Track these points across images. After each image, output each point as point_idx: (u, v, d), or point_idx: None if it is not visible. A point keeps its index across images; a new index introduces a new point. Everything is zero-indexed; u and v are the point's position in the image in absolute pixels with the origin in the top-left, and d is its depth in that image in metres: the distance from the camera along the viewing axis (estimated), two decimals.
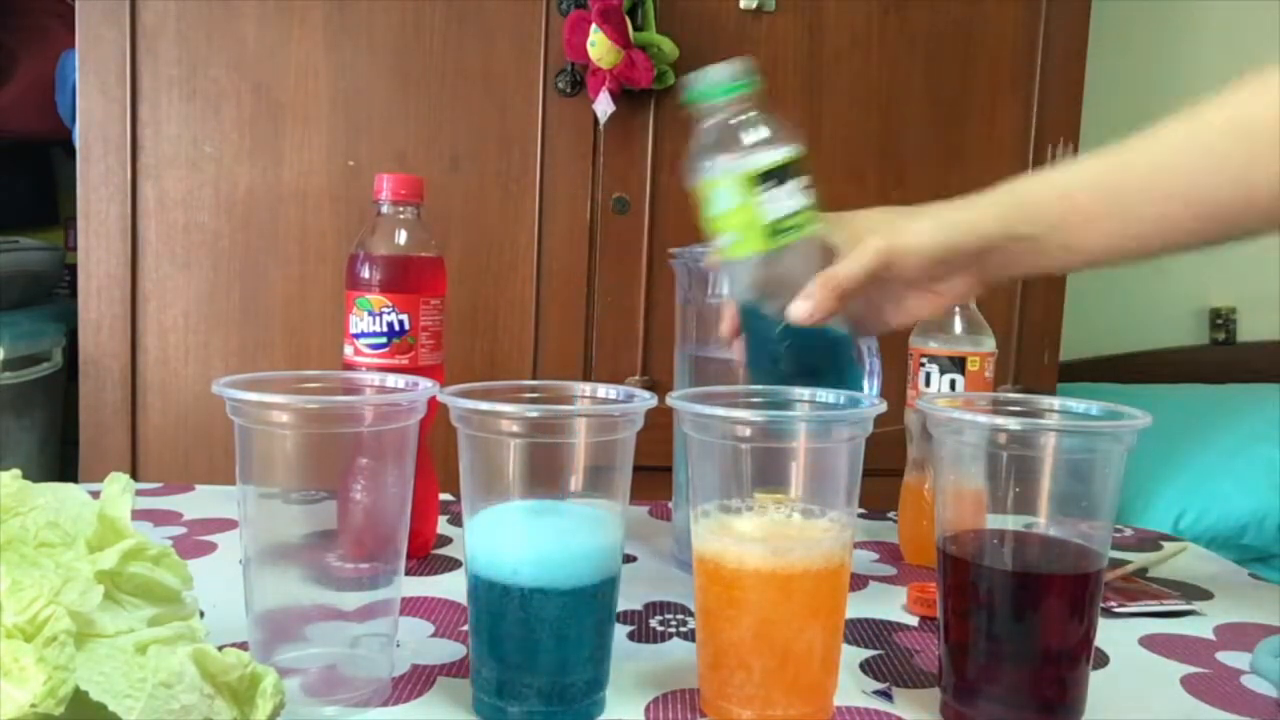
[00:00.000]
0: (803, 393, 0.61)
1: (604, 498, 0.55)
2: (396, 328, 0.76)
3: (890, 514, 0.99)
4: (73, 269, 1.59)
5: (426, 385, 0.57)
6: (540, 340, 1.50)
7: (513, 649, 0.53)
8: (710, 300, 0.78)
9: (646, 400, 0.56)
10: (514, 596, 0.53)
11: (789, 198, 0.63)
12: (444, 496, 0.95)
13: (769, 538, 0.54)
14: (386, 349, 0.76)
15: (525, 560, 0.53)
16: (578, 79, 1.45)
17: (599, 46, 1.37)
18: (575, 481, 0.54)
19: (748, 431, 0.54)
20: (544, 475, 0.54)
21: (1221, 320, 2.27)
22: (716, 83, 0.64)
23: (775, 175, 0.63)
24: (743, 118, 0.64)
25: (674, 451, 0.80)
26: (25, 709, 0.36)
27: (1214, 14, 2.20)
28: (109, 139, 1.42)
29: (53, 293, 1.90)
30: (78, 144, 1.42)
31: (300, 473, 0.56)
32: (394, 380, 0.60)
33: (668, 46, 1.43)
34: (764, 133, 0.64)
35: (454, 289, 1.47)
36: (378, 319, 0.76)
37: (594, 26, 1.37)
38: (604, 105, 1.40)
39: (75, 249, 1.46)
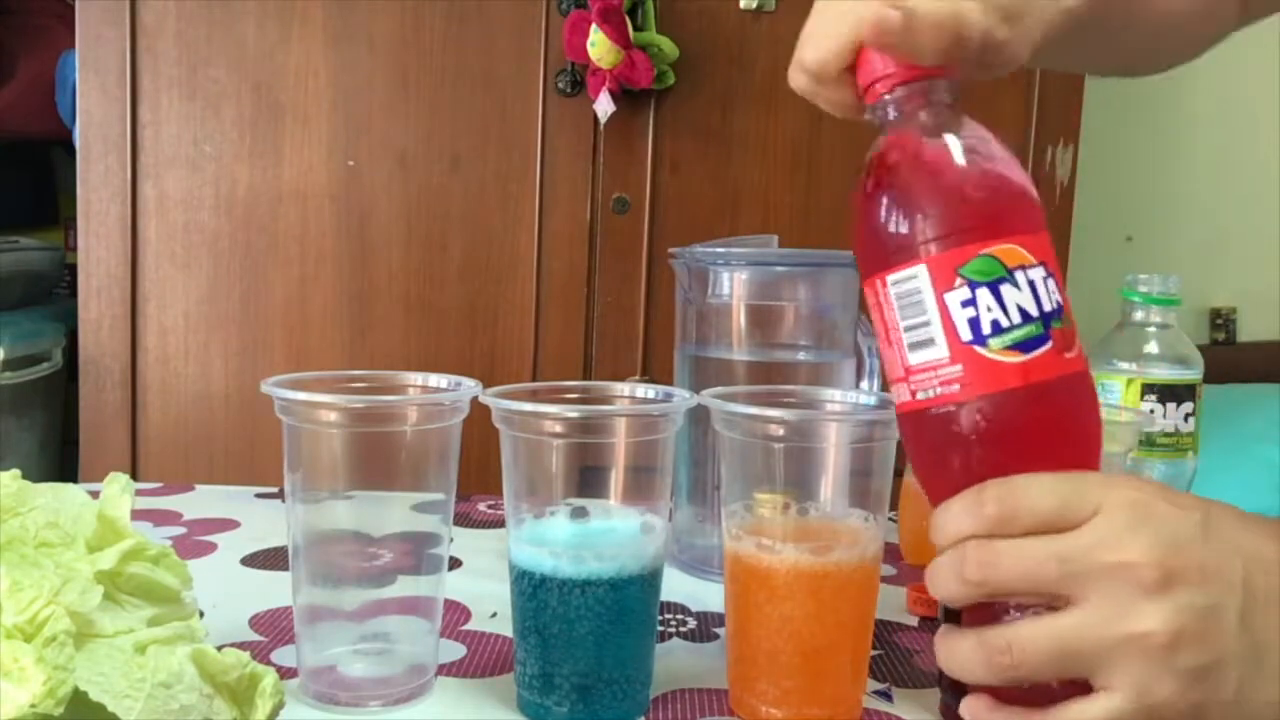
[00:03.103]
0: (833, 393, 0.62)
1: (645, 495, 0.56)
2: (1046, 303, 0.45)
3: (890, 514, 0.98)
4: (73, 269, 1.59)
5: (469, 385, 0.58)
6: (540, 340, 1.50)
7: (554, 644, 0.54)
8: (710, 300, 0.78)
9: (686, 400, 0.56)
10: (555, 591, 0.53)
11: None
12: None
13: (809, 537, 0.54)
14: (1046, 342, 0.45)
15: (566, 557, 0.54)
16: (578, 79, 1.45)
17: (599, 46, 1.37)
18: (616, 480, 0.55)
19: (780, 431, 0.54)
20: (584, 474, 0.55)
21: (1221, 320, 2.27)
22: None
23: None
24: None
25: (667, 452, 0.80)
26: (25, 709, 0.36)
27: None
28: (109, 139, 1.42)
29: (53, 293, 1.91)
30: (78, 144, 1.42)
31: (344, 471, 0.56)
32: (436, 380, 0.60)
33: (668, 46, 1.43)
34: None
35: (454, 289, 1.49)
36: (1018, 290, 0.44)
37: (594, 26, 1.37)
38: (604, 105, 1.40)
39: (75, 249, 1.46)
